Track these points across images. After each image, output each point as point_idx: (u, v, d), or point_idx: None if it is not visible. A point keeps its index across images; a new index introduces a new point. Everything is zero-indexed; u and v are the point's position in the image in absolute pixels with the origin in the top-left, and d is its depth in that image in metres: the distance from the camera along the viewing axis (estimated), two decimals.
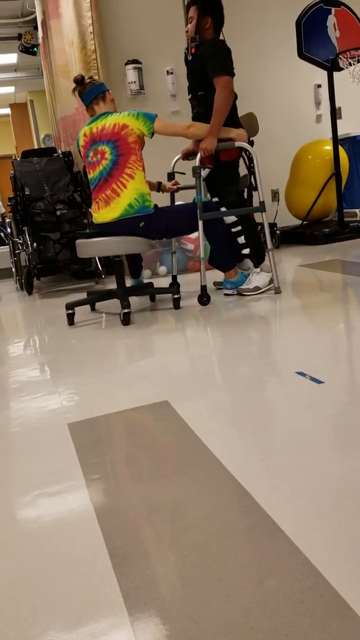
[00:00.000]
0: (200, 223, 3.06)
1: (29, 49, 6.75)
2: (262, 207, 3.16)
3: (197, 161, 3.09)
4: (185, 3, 3.22)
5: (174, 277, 3.62)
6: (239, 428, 1.52)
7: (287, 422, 1.52)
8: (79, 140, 3.13)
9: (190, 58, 3.19)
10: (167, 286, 3.57)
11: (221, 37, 3.21)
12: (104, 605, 0.93)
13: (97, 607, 0.93)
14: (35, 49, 6.67)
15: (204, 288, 3.13)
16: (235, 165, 3.30)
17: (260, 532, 1.06)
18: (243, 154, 3.73)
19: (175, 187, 3.45)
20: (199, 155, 3.09)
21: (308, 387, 1.74)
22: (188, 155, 3.43)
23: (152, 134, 3.01)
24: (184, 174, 3.43)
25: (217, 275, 3.52)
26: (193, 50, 3.13)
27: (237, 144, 3.11)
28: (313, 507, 1.12)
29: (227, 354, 2.20)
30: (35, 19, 5.91)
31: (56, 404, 1.91)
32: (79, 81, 3.09)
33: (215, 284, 3.61)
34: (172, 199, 3.49)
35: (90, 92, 3.07)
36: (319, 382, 1.77)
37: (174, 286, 3.46)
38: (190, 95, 3.27)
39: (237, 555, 1.00)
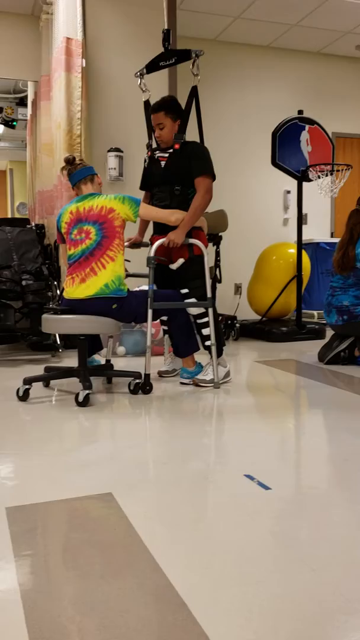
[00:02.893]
0: (149, 312, 3.11)
1: (8, 122, 7.04)
2: (209, 303, 3.24)
3: (151, 252, 3.18)
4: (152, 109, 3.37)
5: (108, 361, 3.58)
6: (182, 530, 1.49)
7: (231, 528, 1.50)
8: (62, 215, 3.17)
9: (166, 155, 3.33)
10: (104, 364, 3.52)
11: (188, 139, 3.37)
12: None
13: None
14: (15, 122, 6.96)
15: (147, 377, 3.13)
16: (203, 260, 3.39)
17: None
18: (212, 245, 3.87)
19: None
20: (154, 246, 3.19)
21: (255, 492, 1.73)
22: (135, 245, 3.54)
23: (136, 219, 3.11)
24: (128, 261, 3.54)
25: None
26: (177, 146, 3.28)
27: (192, 240, 3.22)
28: (250, 626, 1.09)
29: (177, 448, 2.19)
30: (20, 97, 6.18)
31: None
32: (70, 161, 3.20)
33: (159, 373, 3.59)
34: None
35: (80, 172, 3.17)
36: (266, 487, 1.76)
37: (108, 369, 3.44)
38: (158, 188, 3.36)
39: None
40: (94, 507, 1.65)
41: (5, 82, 6.48)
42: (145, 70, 3.65)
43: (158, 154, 3.37)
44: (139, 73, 3.64)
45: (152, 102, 3.42)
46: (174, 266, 3.26)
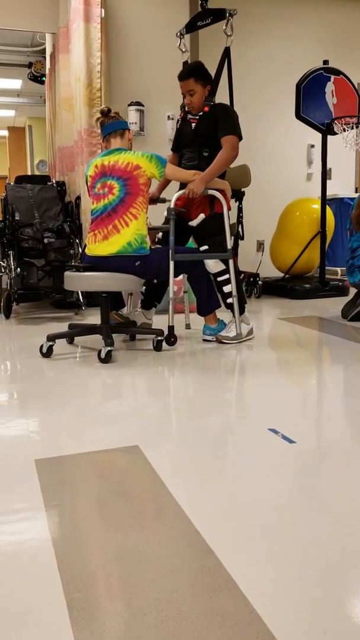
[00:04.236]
0: (171, 264, 3.09)
1: (37, 78, 6.87)
2: (229, 254, 3.21)
3: (171, 203, 3.15)
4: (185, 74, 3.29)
5: (126, 318, 3.60)
6: (207, 482, 1.52)
7: (257, 479, 1.52)
8: (89, 169, 3.16)
9: (197, 117, 3.29)
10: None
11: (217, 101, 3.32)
12: None
13: None
14: (44, 77, 6.80)
15: (171, 328, 3.14)
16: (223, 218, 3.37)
17: (223, 595, 1.05)
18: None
19: None
20: (174, 197, 3.15)
21: (279, 446, 1.74)
22: (152, 201, 3.51)
23: (161, 178, 3.09)
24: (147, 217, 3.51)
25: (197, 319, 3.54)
26: (207, 109, 3.24)
27: (211, 191, 3.18)
28: (276, 573, 1.11)
29: (201, 403, 2.21)
30: (44, 50, 6.03)
31: (24, 437, 1.88)
32: (104, 113, 3.16)
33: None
34: None
35: (111, 125, 3.13)
36: (290, 441, 1.78)
37: (131, 326, 3.44)
38: (188, 149, 3.35)
39: (197, 618, 0.99)
40: (121, 459, 1.68)
41: (23, 34, 6.33)
42: (184, 30, 3.57)
43: (190, 115, 3.34)
44: (179, 33, 3.56)
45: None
46: (194, 223, 3.23)
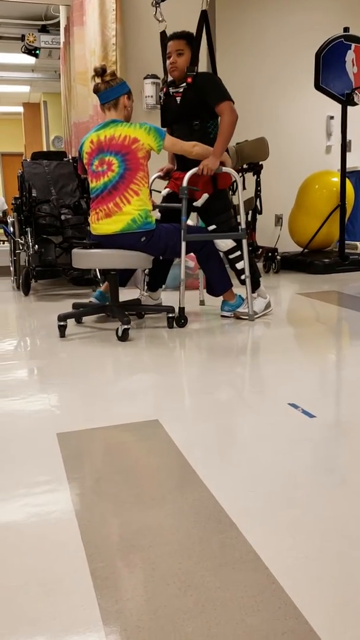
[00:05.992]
0: (183, 244, 3.05)
1: (31, 51, 6.78)
2: (243, 234, 3.17)
3: (184, 182, 3.10)
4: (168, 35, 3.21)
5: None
6: (228, 456, 1.52)
7: (277, 454, 1.52)
8: (84, 145, 3.06)
9: (180, 90, 3.22)
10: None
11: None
12: (83, 628, 0.92)
13: (75, 630, 0.92)
14: (38, 51, 6.71)
15: (182, 310, 3.12)
16: (228, 193, 3.35)
17: (245, 567, 1.05)
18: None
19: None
20: (187, 176, 3.10)
21: (300, 420, 1.74)
22: (166, 175, 3.47)
23: (160, 150, 3.02)
24: (159, 192, 3.47)
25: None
26: (190, 80, 3.17)
27: (225, 169, 3.14)
28: (298, 546, 1.12)
29: (219, 378, 2.21)
30: (43, 24, 5.96)
31: (46, 411, 1.90)
32: (99, 73, 2.97)
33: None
34: None
35: (104, 95, 2.99)
36: (311, 415, 1.77)
37: (137, 304, 3.43)
38: (176, 124, 3.28)
39: (219, 589, 1.00)
40: (142, 433, 1.69)
41: (36, 7, 6.25)
42: None
43: (172, 90, 3.27)
44: (154, 2, 3.47)
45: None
46: (198, 203, 3.19)
